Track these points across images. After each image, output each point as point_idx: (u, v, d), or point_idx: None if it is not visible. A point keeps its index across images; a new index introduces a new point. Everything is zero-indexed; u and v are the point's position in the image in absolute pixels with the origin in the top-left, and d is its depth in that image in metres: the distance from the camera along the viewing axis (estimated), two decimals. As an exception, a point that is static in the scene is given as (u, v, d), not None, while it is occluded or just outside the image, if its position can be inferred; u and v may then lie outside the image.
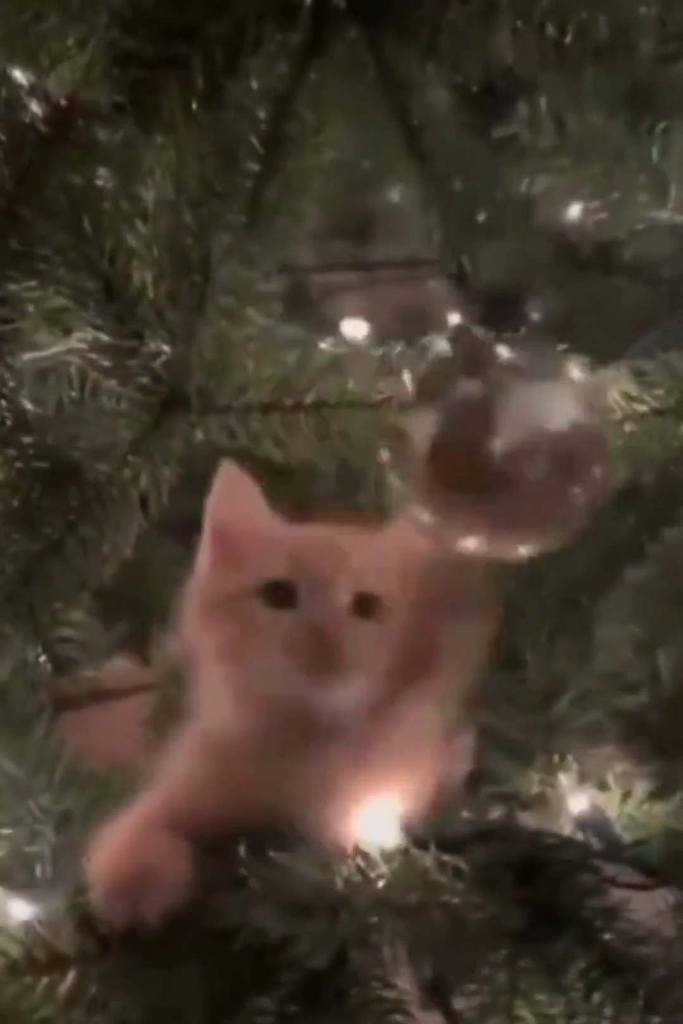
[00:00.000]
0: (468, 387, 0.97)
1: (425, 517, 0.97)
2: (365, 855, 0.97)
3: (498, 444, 0.95)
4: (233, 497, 1.03)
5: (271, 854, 0.96)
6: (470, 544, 0.97)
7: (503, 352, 0.98)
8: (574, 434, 0.96)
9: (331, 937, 0.94)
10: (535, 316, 1.48)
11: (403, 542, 1.01)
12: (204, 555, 1.04)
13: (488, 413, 0.95)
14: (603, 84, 1.08)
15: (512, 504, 0.96)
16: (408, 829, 0.99)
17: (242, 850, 0.97)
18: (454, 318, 1.50)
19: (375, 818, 0.99)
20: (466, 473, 0.96)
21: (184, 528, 1.23)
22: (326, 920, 0.94)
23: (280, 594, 1.00)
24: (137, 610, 1.42)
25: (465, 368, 0.97)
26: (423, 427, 0.97)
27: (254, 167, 1.07)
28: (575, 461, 0.96)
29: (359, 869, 0.96)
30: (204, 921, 0.96)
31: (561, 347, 1.04)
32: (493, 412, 0.95)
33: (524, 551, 0.98)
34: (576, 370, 0.98)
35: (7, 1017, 0.96)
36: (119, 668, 1.35)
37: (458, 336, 0.98)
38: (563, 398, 0.98)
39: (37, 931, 0.99)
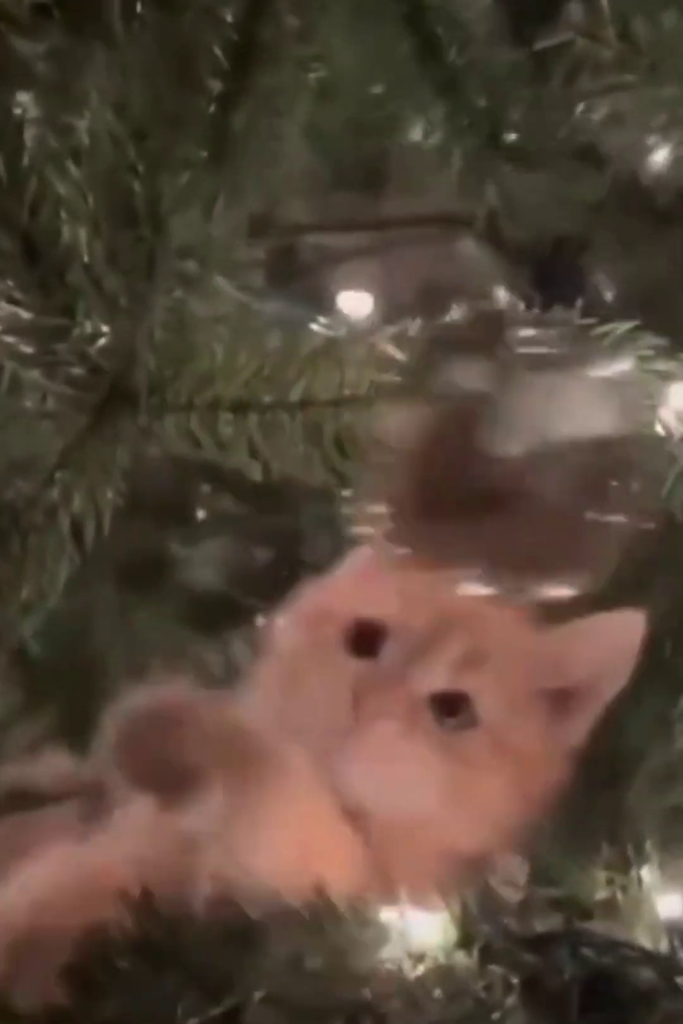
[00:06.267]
0: (465, 376, 0.91)
1: (403, 547, 0.93)
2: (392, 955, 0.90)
3: (498, 454, 0.89)
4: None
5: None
6: (462, 582, 0.93)
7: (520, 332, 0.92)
8: (600, 445, 0.91)
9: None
10: (598, 287, 1.41)
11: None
12: None
13: (487, 412, 0.89)
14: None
15: (517, 533, 0.90)
16: (449, 922, 0.92)
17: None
18: (490, 290, 1.44)
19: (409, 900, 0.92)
20: (454, 491, 0.90)
21: (133, 568, 1.20)
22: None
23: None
24: (72, 684, 1.33)
25: (471, 349, 0.91)
26: (405, 429, 0.92)
27: (218, 86, 0.97)
28: (599, 478, 0.91)
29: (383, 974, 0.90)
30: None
31: (631, 325, 0.96)
32: (494, 411, 0.89)
33: (539, 593, 0.94)
34: (613, 361, 0.92)
35: None
36: (49, 764, 1.24)
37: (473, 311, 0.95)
38: (590, 396, 0.91)
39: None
